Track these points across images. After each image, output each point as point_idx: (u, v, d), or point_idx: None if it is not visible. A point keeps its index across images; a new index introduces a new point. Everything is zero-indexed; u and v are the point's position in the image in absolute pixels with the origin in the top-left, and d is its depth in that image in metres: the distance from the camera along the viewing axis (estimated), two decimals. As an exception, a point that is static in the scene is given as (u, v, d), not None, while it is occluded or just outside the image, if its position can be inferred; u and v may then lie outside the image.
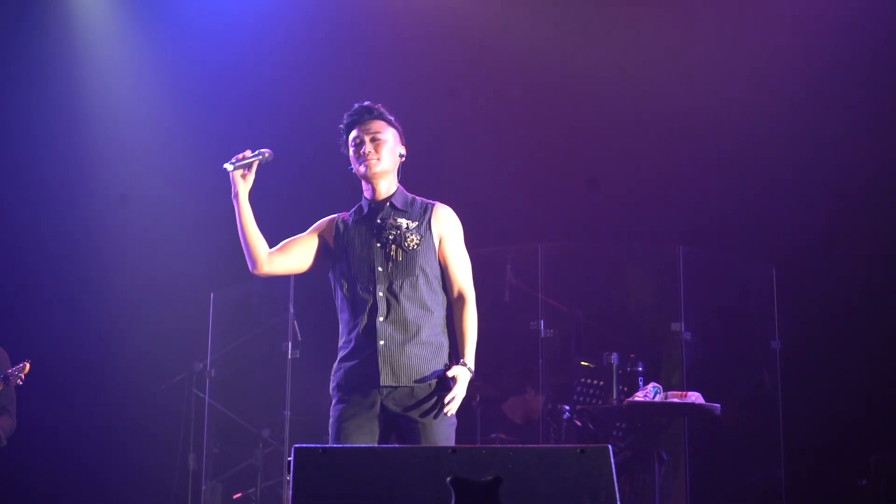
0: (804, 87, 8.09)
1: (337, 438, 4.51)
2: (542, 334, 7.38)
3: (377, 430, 4.52)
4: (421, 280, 4.58)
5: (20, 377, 7.07)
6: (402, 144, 4.76)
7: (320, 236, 4.80)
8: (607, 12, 8.45)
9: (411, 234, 4.61)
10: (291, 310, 7.85)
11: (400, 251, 4.59)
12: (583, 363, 7.52)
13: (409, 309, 4.54)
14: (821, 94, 8.06)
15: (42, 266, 8.96)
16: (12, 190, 8.92)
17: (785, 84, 8.16)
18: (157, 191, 9.05)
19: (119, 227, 9.05)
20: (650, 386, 6.60)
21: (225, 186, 8.98)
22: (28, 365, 7.08)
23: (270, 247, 4.93)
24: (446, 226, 4.69)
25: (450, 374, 4.49)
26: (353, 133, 4.72)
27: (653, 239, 8.29)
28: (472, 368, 4.56)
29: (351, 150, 4.73)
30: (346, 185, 8.36)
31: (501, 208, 8.39)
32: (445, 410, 4.47)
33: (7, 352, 7.32)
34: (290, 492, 3.07)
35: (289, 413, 7.73)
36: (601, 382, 7.22)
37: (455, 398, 4.47)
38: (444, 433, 4.50)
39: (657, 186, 8.48)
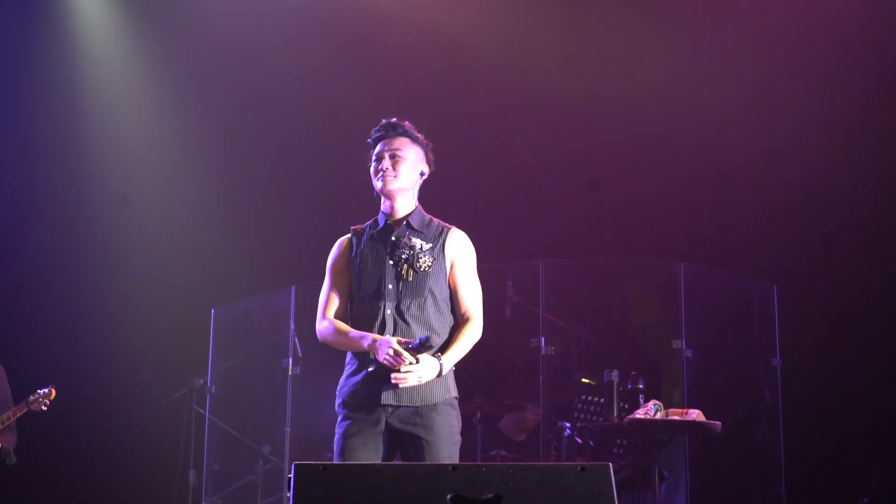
0: (805, 103, 8.10)
1: (342, 456, 4.52)
2: (543, 351, 7.37)
3: (382, 448, 4.53)
4: (429, 302, 4.59)
5: (45, 403, 6.98)
6: (427, 163, 4.77)
7: (343, 271, 4.76)
8: (609, 26, 8.46)
9: (424, 256, 4.62)
10: (292, 326, 7.85)
11: (411, 271, 4.60)
12: (583, 380, 7.51)
13: (415, 329, 4.55)
14: (822, 110, 8.07)
15: (41, 287, 8.97)
16: (12, 193, 8.92)
17: (786, 100, 8.18)
18: (157, 202, 9.06)
19: (120, 243, 9.07)
20: (651, 403, 6.58)
21: (227, 201, 9.04)
22: (54, 391, 7.00)
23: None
24: (459, 251, 4.70)
25: (420, 356, 4.46)
26: (377, 148, 4.74)
27: (654, 256, 8.29)
28: (443, 370, 4.52)
29: (372, 165, 4.74)
30: (346, 183, 8.43)
31: (502, 224, 8.39)
32: (392, 378, 4.43)
33: (7, 366, 7.29)
34: (290, 509, 3.06)
35: (289, 429, 7.73)
36: (602, 399, 7.21)
37: (409, 373, 4.42)
38: (447, 451, 4.51)
39: (658, 203, 8.49)
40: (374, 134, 4.78)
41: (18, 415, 7.02)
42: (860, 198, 8.12)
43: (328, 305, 4.75)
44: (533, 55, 8.50)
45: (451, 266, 4.68)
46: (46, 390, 6.99)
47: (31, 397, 6.98)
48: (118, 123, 9.12)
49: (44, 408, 6.98)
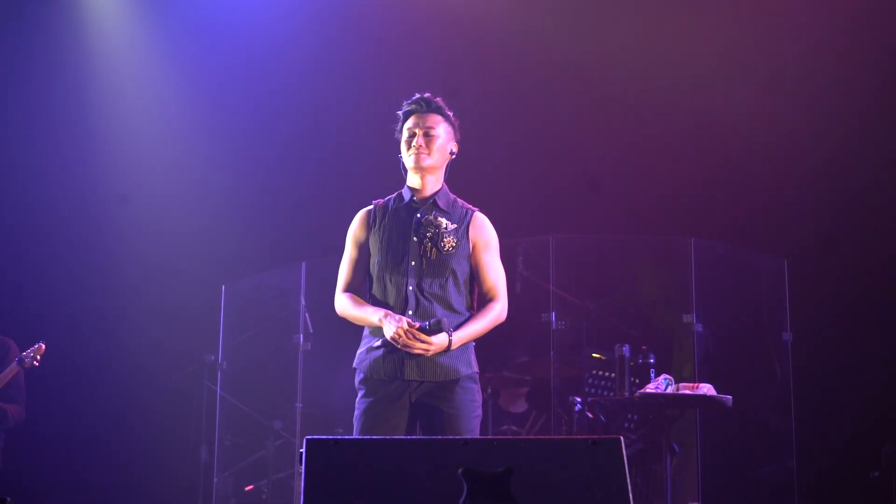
0: (815, 79, 8.07)
1: (362, 432, 4.51)
2: (554, 326, 7.37)
3: (404, 423, 4.54)
4: (450, 282, 4.59)
5: (36, 358, 7.05)
6: (456, 142, 4.76)
7: (363, 244, 4.75)
8: (620, 7, 8.44)
9: (449, 236, 4.62)
10: (303, 302, 7.86)
11: (435, 250, 4.60)
12: (594, 355, 7.51)
13: (436, 308, 4.56)
14: (832, 85, 8.04)
15: (54, 260, 8.98)
16: (24, 182, 8.94)
17: (796, 77, 8.14)
18: (167, 183, 9.07)
19: (130, 221, 9.08)
20: (661, 378, 6.58)
21: (236, 178, 9.05)
22: (43, 346, 7.07)
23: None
24: (483, 235, 4.70)
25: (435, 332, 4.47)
26: (409, 123, 4.71)
27: (664, 231, 8.27)
28: (451, 345, 4.51)
29: (403, 139, 4.72)
30: (354, 160, 8.44)
31: (512, 200, 8.38)
32: (401, 344, 4.44)
33: (20, 346, 7.32)
34: (302, 484, 3.07)
35: (300, 405, 7.74)
36: (612, 374, 7.21)
37: (420, 344, 4.43)
38: (469, 425, 4.54)
39: (668, 178, 8.46)
40: (405, 106, 4.76)
41: (11, 375, 7.07)
42: (873, 173, 8.09)
43: (346, 279, 4.75)
44: (543, 31, 8.48)
45: (474, 248, 4.67)
46: (36, 346, 7.06)
47: (23, 354, 7.05)
48: (126, 106, 9.12)
49: (35, 363, 7.04)
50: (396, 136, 4.77)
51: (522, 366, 7.83)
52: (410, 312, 4.55)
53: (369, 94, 8.34)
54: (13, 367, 7.06)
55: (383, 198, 4.80)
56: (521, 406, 7.93)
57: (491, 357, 7.76)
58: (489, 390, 7.53)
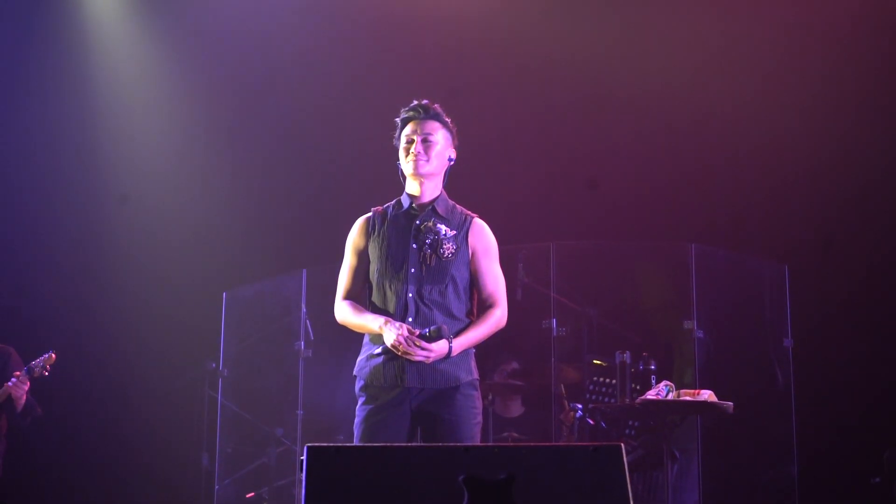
0: (816, 84, 8.07)
1: (362, 439, 4.52)
2: (555, 333, 7.37)
3: (404, 430, 4.54)
4: (450, 288, 4.60)
5: (46, 368, 7.00)
6: (455, 148, 4.75)
7: (363, 252, 4.76)
8: (618, 10, 8.44)
9: (448, 243, 4.62)
10: (304, 309, 7.86)
11: (434, 257, 4.60)
12: (595, 361, 7.50)
13: (435, 314, 4.56)
14: (833, 90, 8.04)
15: (53, 267, 8.98)
16: (23, 189, 8.94)
17: (797, 81, 8.15)
18: (168, 190, 9.07)
19: (131, 227, 9.09)
20: (662, 384, 6.58)
21: (237, 185, 9.06)
22: (54, 356, 7.03)
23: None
24: (482, 241, 4.70)
25: (435, 339, 4.47)
26: (407, 129, 4.72)
27: (665, 237, 8.27)
28: (451, 352, 4.52)
29: (402, 146, 4.72)
30: (355, 167, 8.45)
31: (513, 206, 8.38)
32: (402, 351, 4.45)
33: (21, 353, 7.31)
34: (303, 491, 3.07)
35: (301, 412, 7.74)
36: (613, 381, 7.21)
37: (420, 351, 4.44)
38: (469, 432, 4.54)
39: (669, 184, 8.47)
40: (404, 113, 4.76)
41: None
42: (874, 178, 8.09)
43: (346, 286, 4.75)
44: (542, 37, 8.49)
45: (473, 255, 4.68)
46: (46, 356, 7.01)
47: (33, 363, 7.00)
48: (127, 112, 9.13)
49: (45, 373, 7.00)
50: (395, 143, 4.77)
51: (522, 372, 7.83)
52: (410, 319, 4.55)
53: (370, 101, 8.35)
54: (23, 377, 7.02)
55: (382, 205, 4.80)
56: (516, 410, 7.93)
57: (493, 364, 7.77)
58: (490, 397, 7.53)
